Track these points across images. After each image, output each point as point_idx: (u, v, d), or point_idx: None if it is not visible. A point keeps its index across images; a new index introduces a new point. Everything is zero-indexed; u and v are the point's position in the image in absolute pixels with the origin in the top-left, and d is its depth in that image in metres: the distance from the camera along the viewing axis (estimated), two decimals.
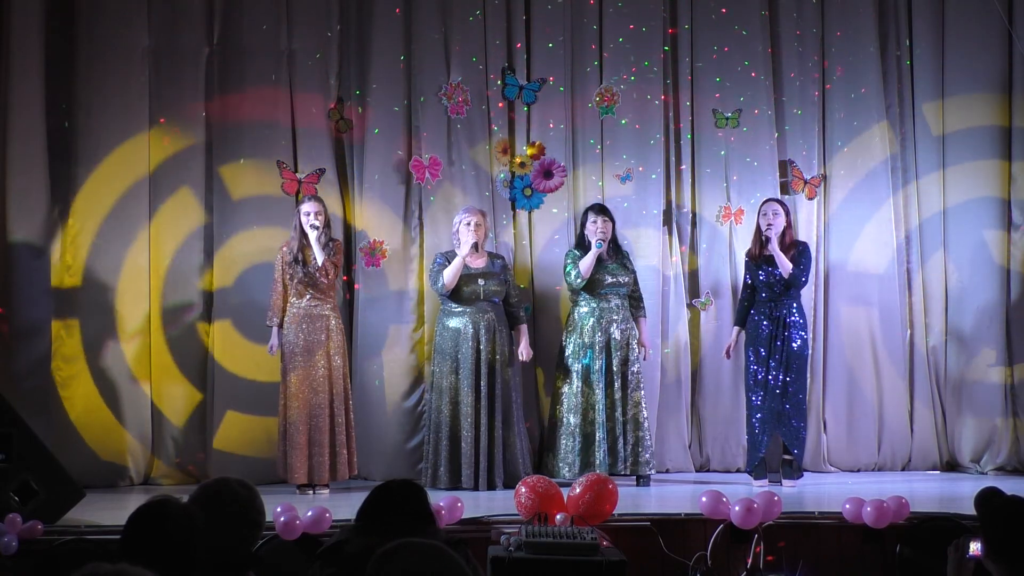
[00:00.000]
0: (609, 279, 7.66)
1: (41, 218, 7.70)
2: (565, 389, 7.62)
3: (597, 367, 7.55)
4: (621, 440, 7.51)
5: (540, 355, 8.17)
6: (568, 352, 7.66)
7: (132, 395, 7.78)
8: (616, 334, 7.60)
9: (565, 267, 7.74)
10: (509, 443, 7.55)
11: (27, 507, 6.00)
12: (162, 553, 3.08)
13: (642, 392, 7.65)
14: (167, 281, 7.88)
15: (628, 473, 7.54)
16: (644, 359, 7.81)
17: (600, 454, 7.47)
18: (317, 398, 7.36)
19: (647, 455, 7.58)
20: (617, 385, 7.55)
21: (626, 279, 7.71)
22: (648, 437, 7.62)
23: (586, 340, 7.60)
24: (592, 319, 7.62)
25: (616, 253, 7.78)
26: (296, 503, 5.99)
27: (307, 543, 5.59)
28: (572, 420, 7.55)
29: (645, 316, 7.84)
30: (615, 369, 7.57)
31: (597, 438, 7.49)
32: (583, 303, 7.69)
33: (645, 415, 7.63)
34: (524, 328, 7.76)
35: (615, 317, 7.63)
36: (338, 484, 7.51)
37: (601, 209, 7.76)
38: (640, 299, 7.83)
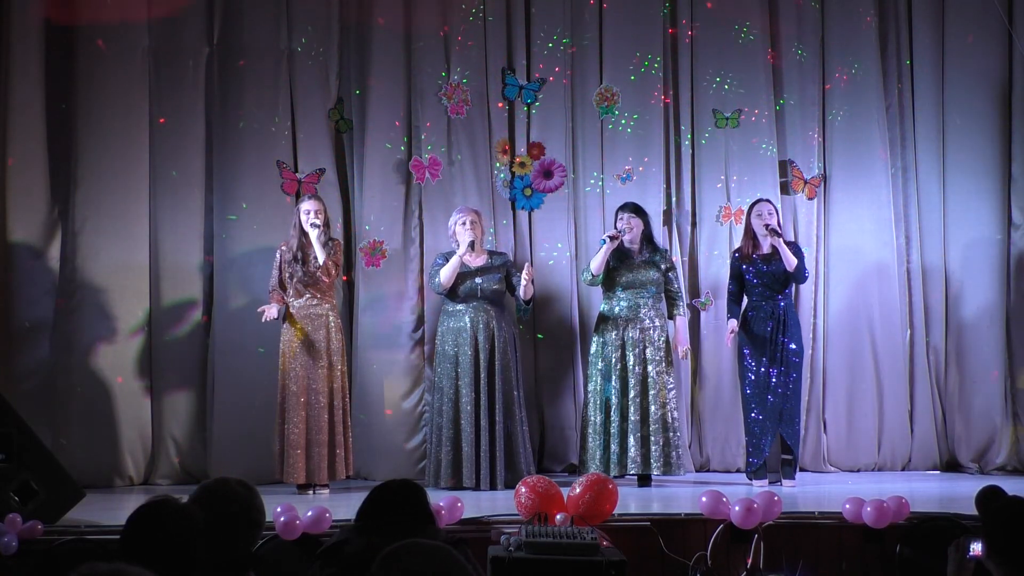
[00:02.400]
0: (627, 276, 7.58)
1: (41, 218, 7.71)
2: (591, 387, 7.58)
3: (614, 366, 7.51)
4: (639, 441, 7.43)
5: (541, 353, 8.18)
6: (593, 351, 7.62)
7: (132, 395, 7.78)
8: (635, 334, 7.53)
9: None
10: (511, 442, 7.54)
11: (27, 507, 5.99)
12: (162, 553, 3.08)
13: (672, 392, 7.54)
14: (167, 280, 7.88)
15: (661, 473, 7.44)
16: (683, 357, 7.75)
17: (613, 455, 7.42)
18: (316, 398, 7.36)
19: (680, 457, 7.50)
20: (632, 383, 7.49)
21: (654, 277, 7.59)
22: (677, 437, 7.52)
23: (606, 339, 7.57)
24: (611, 318, 7.58)
25: (650, 251, 7.66)
26: (296, 503, 5.99)
27: (307, 543, 5.59)
28: (597, 419, 7.52)
29: (681, 314, 7.72)
30: (631, 369, 7.50)
31: (611, 437, 7.46)
32: (605, 301, 7.65)
33: (676, 416, 7.54)
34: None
35: (634, 316, 7.54)
36: (338, 484, 7.51)
37: (628, 207, 7.66)
38: (675, 297, 7.69)
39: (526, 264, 7.65)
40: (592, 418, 7.53)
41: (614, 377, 7.50)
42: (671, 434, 7.49)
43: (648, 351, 7.52)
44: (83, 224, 7.72)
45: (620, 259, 7.59)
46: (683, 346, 7.70)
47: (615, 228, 7.62)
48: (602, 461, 7.43)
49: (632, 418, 7.45)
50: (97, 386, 7.69)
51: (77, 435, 7.61)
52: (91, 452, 7.62)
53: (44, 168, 7.73)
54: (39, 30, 7.73)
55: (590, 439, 7.53)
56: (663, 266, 7.67)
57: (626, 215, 7.62)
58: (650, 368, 7.51)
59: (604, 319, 7.62)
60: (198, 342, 7.93)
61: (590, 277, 7.57)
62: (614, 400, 7.47)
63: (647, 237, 7.68)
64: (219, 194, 7.98)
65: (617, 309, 7.58)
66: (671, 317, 7.71)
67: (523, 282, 7.49)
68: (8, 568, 5.48)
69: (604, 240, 7.50)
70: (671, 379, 7.59)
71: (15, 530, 5.62)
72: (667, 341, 7.61)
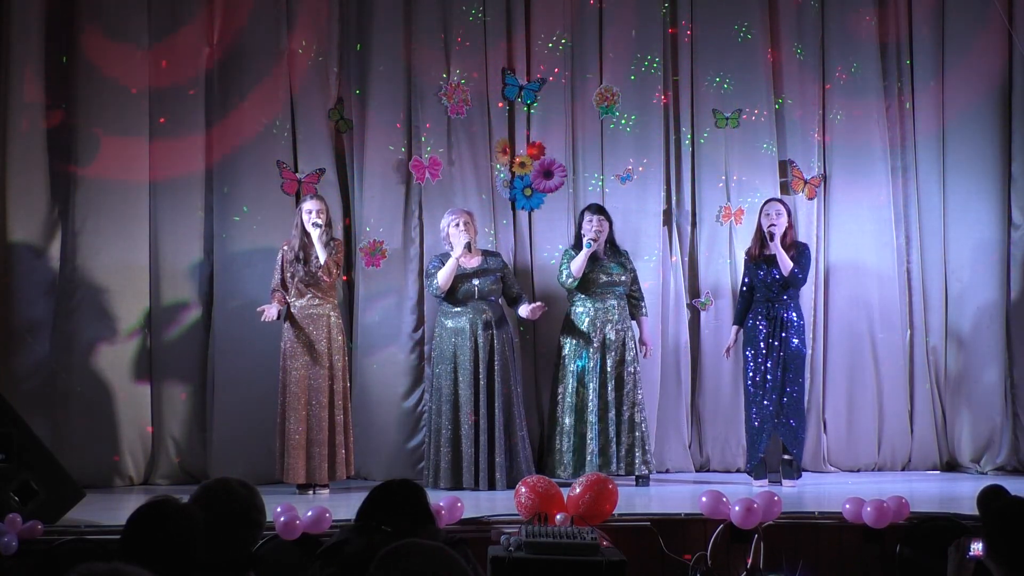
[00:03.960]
0: (604, 278, 7.64)
1: (41, 218, 7.71)
2: (561, 389, 7.61)
3: (591, 367, 7.54)
4: (614, 441, 7.49)
5: (539, 354, 8.18)
6: (565, 352, 7.66)
7: (132, 395, 7.78)
8: (611, 334, 7.58)
9: (560, 267, 7.74)
10: (510, 443, 7.54)
11: (27, 507, 5.99)
12: (162, 553, 3.08)
13: (640, 393, 7.64)
14: (166, 280, 7.88)
15: (623, 474, 7.51)
16: (645, 356, 7.81)
17: (591, 455, 7.45)
18: (316, 397, 7.36)
19: (645, 456, 7.56)
20: (611, 386, 7.53)
21: (623, 278, 7.69)
22: (646, 438, 7.60)
23: (581, 340, 7.59)
24: (587, 319, 7.62)
25: (614, 253, 7.77)
26: (296, 503, 5.99)
27: (307, 543, 5.59)
28: (568, 420, 7.55)
29: (646, 315, 7.83)
30: (609, 370, 7.54)
31: (588, 439, 7.49)
32: (579, 303, 7.68)
33: (643, 416, 7.61)
34: (525, 301, 7.71)
35: (610, 317, 7.61)
36: (338, 484, 7.51)
37: (597, 208, 7.75)
38: (639, 298, 7.80)
39: (537, 306, 7.59)
40: (562, 420, 7.56)
41: (593, 378, 7.52)
42: (636, 434, 7.53)
43: (624, 351, 7.57)
44: (83, 224, 7.72)
45: (592, 261, 7.63)
46: (649, 346, 7.80)
47: (582, 230, 7.64)
48: (572, 464, 7.44)
49: (613, 419, 7.50)
50: (97, 386, 7.69)
51: (77, 435, 7.61)
52: (91, 452, 7.62)
53: (44, 168, 7.73)
54: (39, 30, 7.73)
55: (559, 442, 7.55)
56: (629, 267, 7.74)
57: (595, 217, 7.67)
58: (625, 368, 7.56)
59: (578, 321, 7.64)
60: (198, 342, 7.93)
61: (572, 280, 7.60)
62: (593, 401, 7.47)
63: (610, 240, 7.75)
64: (219, 194, 7.98)
65: (592, 311, 7.62)
66: (634, 318, 7.77)
67: (529, 308, 7.54)
68: (8, 568, 5.48)
69: (589, 243, 7.55)
70: (640, 379, 7.65)
71: (15, 530, 5.62)
72: (635, 341, 7.66)
